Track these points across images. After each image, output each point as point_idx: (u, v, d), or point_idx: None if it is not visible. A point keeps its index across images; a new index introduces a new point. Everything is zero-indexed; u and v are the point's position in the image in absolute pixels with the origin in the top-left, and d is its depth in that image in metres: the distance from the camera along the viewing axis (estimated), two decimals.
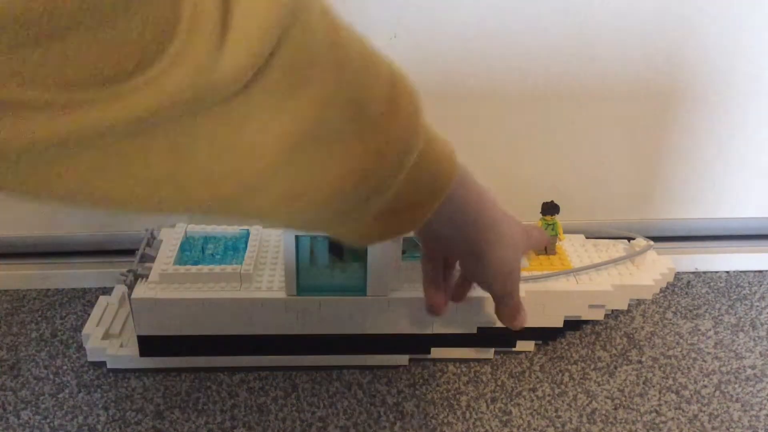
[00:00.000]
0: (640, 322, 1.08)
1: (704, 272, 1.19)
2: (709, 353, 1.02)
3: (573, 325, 1.00)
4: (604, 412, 0.92)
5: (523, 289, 0.94)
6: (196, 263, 0.94)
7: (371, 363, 0.98)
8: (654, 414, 0.92)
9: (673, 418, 0.91)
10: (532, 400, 0.94)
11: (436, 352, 0.98)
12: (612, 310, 1.07)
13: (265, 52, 0.39)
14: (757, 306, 1.12)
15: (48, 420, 0.90)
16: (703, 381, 0.97)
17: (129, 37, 0.34)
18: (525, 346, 1.00)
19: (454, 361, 0.99)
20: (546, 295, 0.95)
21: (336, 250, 0.94)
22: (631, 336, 1.05)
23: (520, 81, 1.02)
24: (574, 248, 1.03)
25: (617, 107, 1.05)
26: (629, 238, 1.04)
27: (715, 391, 0.96)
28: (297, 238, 0.87)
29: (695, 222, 1.18)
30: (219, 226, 1.02)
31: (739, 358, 1.01)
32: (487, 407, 0.93)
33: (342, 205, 0.52)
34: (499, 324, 0.96)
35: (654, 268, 1.01)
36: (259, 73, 0.39)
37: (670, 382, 0.97)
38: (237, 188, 0.44)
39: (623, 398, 0.94)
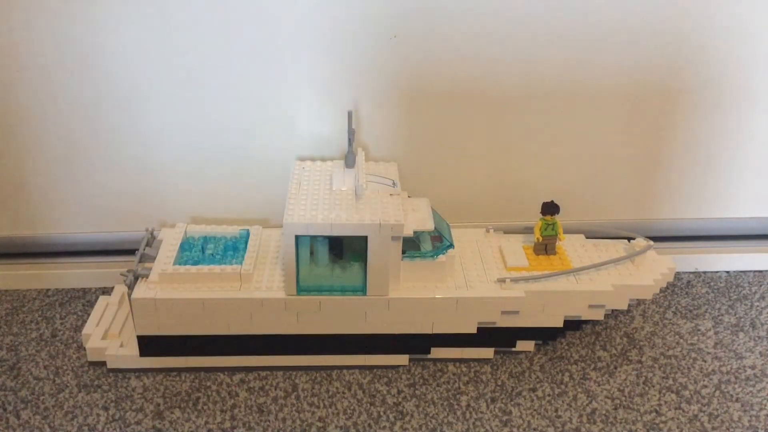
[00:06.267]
0: (640, 322, 1.08)
1: (704, 272, 1.19)
2: (709, 353, 1.02)
3: (573, 325, 1.00)
4: (604, 412, 0.92)
5: (524, 289, 0.95)
6: (196, 263, 0.94)
7: (371, 363, 0.98)
8: (654, 414, 0.92)
9: (673, 418, 0.91)
10: (532, 400, 0.94)
11: (436, 352, 0.98)
12: (612, 310, 1.07)
13: None
14: (757, 306, 1.12)
15: (48, 420, 0.90)
16: (703, 381, 0.97)
17: None
18: (525, 346, 1.00)
19: (454, 361, 0.99)
20: (546, 295, 0.95)
21: (336, 250, 0.94)
22: (631, 336, 1.05)
23: (520, 81, 1.02)
24: (574, 248, 1.03)
25: (617, 108, 1.05)
26: (629, 238, 1.04)
27: (715, 391, 0.96)
28: (297, 238, 0.88)
29: (695, 222, 1.18)
30: (219, 226, 1.02)
31: (739, 358, 1.01)
32: (487, 407, 0.93)
33: None
34: (499, 324, 0.96)
35: (654, 268, 1.01)
36: None
37: (670, 382, 0.97)
38: None
39: (623, 398, 0.94)
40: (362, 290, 0.92)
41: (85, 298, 1.11)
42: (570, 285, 0.96)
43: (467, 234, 1.06)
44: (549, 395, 0.94)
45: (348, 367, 0.98)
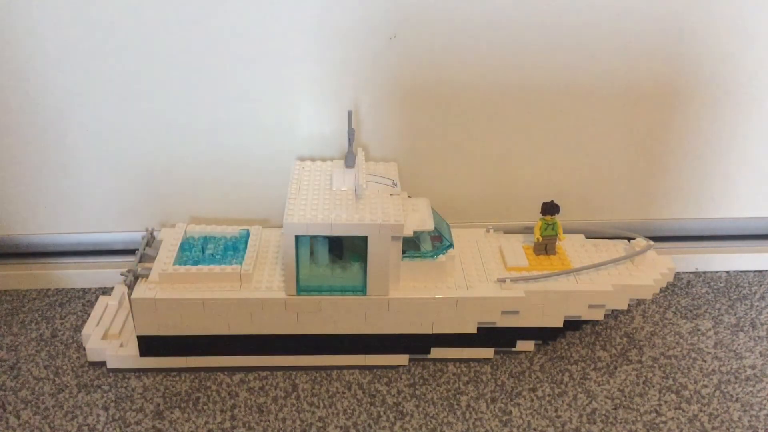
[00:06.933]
0: (640, 322, 1.08)
1: (704, 272, 1.19)
2: (709, 353, 1.02)
3: (573, 325, 1.00)
4: (604, 412, 0.92)
5: (524, 289, 0.95)
6: (196, 263, 0.94)
7: (371, 363, 0.98)
8: (654, 414, 0.92)
9: (673, 418, 0.91)
10: (532, 400, 0.94)
11: (436, 352, 0.98)
12: (612, 310, 1.07)
13: None
14: (757, 306, 1.12)
15: (48, 420, 0.90)
16: (703, 381, 0.97)
17: None
18: (525, 346, 1.00)
19: (454, 361, 0.99)
20: (546, 295, 0.95)
21: (336, 250, 0.94)
22: (631, 336, 1.05)
23: (520, 81, 1.02)
24: (574, 248, 1.03)
25: (618, 107, 1.05)
26: (629, 238, 1.04)
27: (715, 391, 0.96)
28: (297, 238, 0.88)
29: (695, 222, 1.18)
30: (219, 225, 1.02)
31: (739, 358, 1.01)
32: (487, 407, 0.93)
33: None
34: (499, 324, 0.96)
35: (654, 268, 1.01)
36: None
37: (670, 382, 0.97)
38: None
39: (623, 398, 0.94)
40: (362, 290, 0.92)
41: (85, 298, 1.11)
42: (570, 285, 0.96)
43: (467, 234, 1.06)
44: (549, 395, 0.94)
45: (348, 367, 0.98)
